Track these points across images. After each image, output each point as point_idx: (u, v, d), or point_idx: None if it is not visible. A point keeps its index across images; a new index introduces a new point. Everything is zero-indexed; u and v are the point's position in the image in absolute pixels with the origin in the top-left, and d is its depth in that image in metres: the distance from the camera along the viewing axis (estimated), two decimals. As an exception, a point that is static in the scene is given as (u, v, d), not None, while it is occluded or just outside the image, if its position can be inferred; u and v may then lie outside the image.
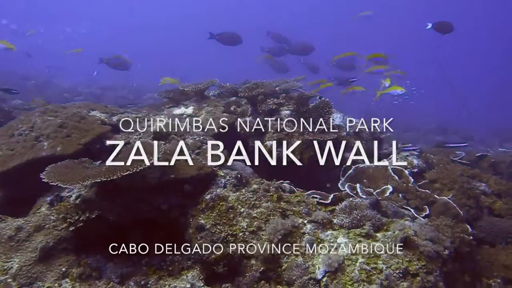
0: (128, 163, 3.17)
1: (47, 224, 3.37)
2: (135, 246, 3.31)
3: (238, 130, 5.43)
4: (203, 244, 3.13)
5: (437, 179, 4.50)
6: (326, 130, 5.00)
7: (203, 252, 3.09)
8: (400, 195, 4.13)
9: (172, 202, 3.42)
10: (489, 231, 3.88)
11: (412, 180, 4.40)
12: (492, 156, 7.11)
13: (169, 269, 3.15)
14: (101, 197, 3.42)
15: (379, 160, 4.99)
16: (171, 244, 3.33)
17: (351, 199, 3.56)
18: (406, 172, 4.49)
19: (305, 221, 3.30)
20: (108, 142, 3.85)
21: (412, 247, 2.90)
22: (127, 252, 3.25)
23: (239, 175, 3.60)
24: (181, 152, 3.65)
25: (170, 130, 4.23)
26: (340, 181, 4.64)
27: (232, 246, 3.12)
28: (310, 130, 5.00)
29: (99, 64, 8.60)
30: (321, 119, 5.02)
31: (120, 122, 4.41)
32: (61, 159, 3.63)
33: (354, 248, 2.94)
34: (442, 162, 4.94)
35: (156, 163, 3.24)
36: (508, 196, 4.62)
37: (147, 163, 3.14)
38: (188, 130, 4.34)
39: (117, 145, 3.91)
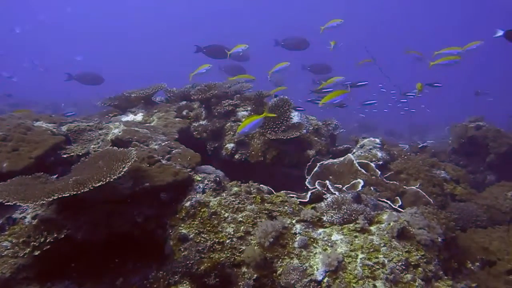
0: (98, 173, 2.84)
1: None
2: (109, 265, 3.00)
3: (195, 134, 5.19)
4: (189, 255, 2.87)
5: (403, 169, 4.57)
6: (287, 129, 4.91)
7: (190, 264, 2.83)
8: (372, 188, 4.12)
9: (147, 213, 3.12)
10: (459, 216, 3.98)
11: (379, 172, 4.42)
12: (432, 147, 7.47)
13: (153, 287, 2.84)
14: (63, 215, 3.03)
15: (338, 156, 4.99)
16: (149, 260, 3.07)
17: (336, 195, 3.45)
18: (373, 165, 4.51)
19: (294, 221, 3.16)
20: (65, 154, 3.45)
21: (408, 237, 2.86)
22: (100, 274, 2.92)
23: (217, 179, 3.38)
24: (151, 159, 3.38)
25: (130, 137, 3.89)
26: (307, 179, 4.56)
27: (221, 255, 2.89)
28: (271, 129, 4.88)
29: (67, 82, 8.05)
30: (282, 117, 4.93)
31: (72, 132, 4.00)
32: (9, 177, 3.18)
33: (351, 244, 2.84)
34: (403, 153, 5.04)
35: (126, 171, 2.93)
36: (465, 181, 4.81)
37: (121, 171, 2.83)
38: (150, 136, 4.01)
39: (75, 156, 3.55)
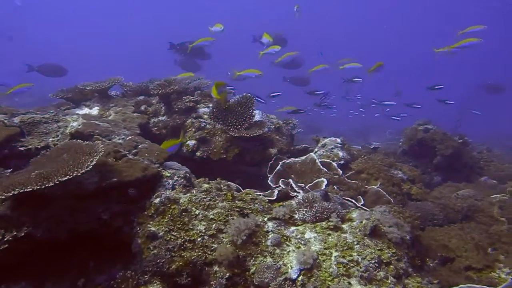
0: (64, 167, 2.67)
1: None
2: (73, 265, 2.84)
3: (154, 130, 5.04)
4: (159, 254, 2.76)
5: (363, 169, 4.67)
6: (250, 126, 4.89)
7: (161, 263, 2.72)
8: (335, 187, 4.18)
9: (114, 210, 2.97)
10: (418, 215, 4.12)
11: (341, 172, 4.50)
12: (382, 148, 7.73)
13: (121, 287, 2.71)
14: (19, 212, 2.81)
15: (296, 155, 5.03)
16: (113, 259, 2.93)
17: (308, 193, 3.46)
18: (334, 164, 4.58)
19: (265, 219, 3.13)
20: (22, 147, 3.21)
21: (380, 235, 2.92)
22: (62, 273, 2.75)
23: (187, 175, 3.28)
24: (117, 153, 3.22)
25: (91, 130, 3.69)
26: (269, 178, 4.55)
27: (192, 253, 2.81)
28: (233, 126, 4.83)
29: (27, 73, 7.47)
30: (245, 115, 4.89)
31: (25, 124, 3.74)
32: (-43, 170, 2.94)
33: (325, 242, 2.85)
34: (362, 153, 5.16)
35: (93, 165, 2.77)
36: (420, 181, 5.00)
37: (89, 165, 2.67)
38: (112, 130, 3.83)
39: (33, 148, 3.33)
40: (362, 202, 3.95)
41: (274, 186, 4.28)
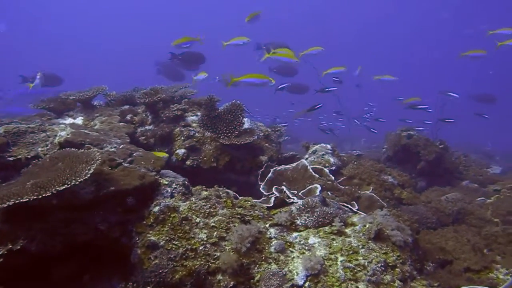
0: (61, 176, 2.56)
1: None
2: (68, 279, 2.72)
3: (142, 140, 4.93)
4: (161, 264, 2.68)
5: (355, 175, 4.69)
6: (240, 134, 4.84)
7: (164, 273, 2.64)
8: (329, 193, 4.17)
9: (111, 220, 2.86)
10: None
11: (333, 178, 4.50)
12: (367, 155, 7.79)
13: (123, 299, 2.61)
14: (12, 225, 2.68)
15: (284, 163, 5.01)
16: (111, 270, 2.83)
17: (307, 198, 3.43)
18: (326, 170, 4.58)
19: (267, 225, 3.09)
20: (11, 157, 3.08)
21: (383, 238, 2.91)
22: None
23: (186, 182, 3.21)
24: (112, 161, 3.13)
25: (81, 139, 3.58)
26: (261, 185, 4.51)
27: (194, 262, 2.73)
28: (224, 134, 4.78)
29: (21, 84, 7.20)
30: (235, 123, 4.85)
31: (10, 134, 3.59)
32: None
33: (330, 247, 2.83)
34: (352, 159, 5.18)
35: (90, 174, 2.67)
36: (410, 186, 5.05)
37: (87, 173, 2.58)
38: (103, 138, 3.72)
39: (23, 158, 3.20)
40: (357, 207, 3.95)
41: (267, 193, 4.24)
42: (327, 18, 38.69)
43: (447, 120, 7.99)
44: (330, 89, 7.10)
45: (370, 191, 4.37)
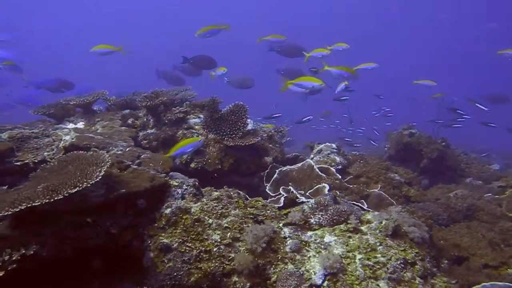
0: (72, 178, 2.48)
1: None
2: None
3: (144, 144, 4.86)
4: (176, 267, 2.61)
5: (362, 173, 4.64)
6: (244, 135, 4.78)
7: (180, 276, 2.56)
8: (337, 192, 4.11)
9: (122, 223, 2.79)
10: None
11: (340, 177, 4.44)
12: (366, 155, 7.75)
13: (137, 304, 2.53)
14: (21, 230, 2.60)
15: (287, 164, 4.96)
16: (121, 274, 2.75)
17: (319, 197, 3.36)
18: (333, 169, 4.52)
19: (280, 225, 3.02)
20: (18, 162, 3.01)
21: (401, 235, 2.86)
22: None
23: (196, 183, 3.14)
24: (121, 164, 3.06)
25: (87, 143, 3.50)
26: (267, 187, 4.45)
27: (209, 264, 2.66)
28: (228, 136, 4.72)
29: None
30: (239, 124, 4.79)
31: (14, 139, 3.51)
32: None
33: (347, 245, 2.77)
34: (357, 157, 5.14)
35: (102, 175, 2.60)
36: (416, 184, 5.01)
37: (98, 175, 2.51)
38: (109, 142, 3.65)
39: (30, 163, 3.12)
40: (366, 205, 3.90)
41: (273, 194, 4.18)
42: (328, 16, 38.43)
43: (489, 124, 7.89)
44: (344, 98, 7.06)
45: (379, 189, 4.32)
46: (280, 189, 4.10)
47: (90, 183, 2.45)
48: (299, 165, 4.67)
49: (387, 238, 2.80)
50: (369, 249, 2.71)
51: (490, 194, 4.99)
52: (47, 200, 2.30)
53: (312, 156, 5.25)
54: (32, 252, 2.38)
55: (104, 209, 2.74)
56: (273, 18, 37.08)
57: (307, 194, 3.94)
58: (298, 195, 3.75)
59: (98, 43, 6.26)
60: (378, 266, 2.61)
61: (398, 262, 2.62)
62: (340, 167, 4.81)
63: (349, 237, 2.84)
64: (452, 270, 3.23)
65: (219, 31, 6.16)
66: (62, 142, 3.58)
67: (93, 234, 2.71)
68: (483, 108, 7.46)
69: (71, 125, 4.94)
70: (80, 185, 2.41)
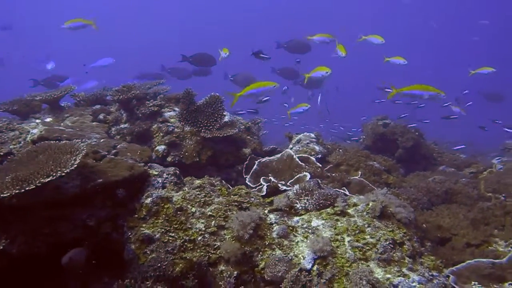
0: (44, 167, 2.33)
1: None
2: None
3: (118, 139, 4.68)
4: (159, 257, 2.48)
5: (342, 161, 4.61)
6: (222, 127, 4.68)
7: (164, 267, 2.44)
8: (319, 180, 4.06)
9: (100, 215, 2.64)
10: (402, 201, 4.09)
11: (320, 165, 4.40)
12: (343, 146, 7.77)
13: (120, 298, 2.39)
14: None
15: (271, 155, 4.89)
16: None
17: (303, 182, 3.30)
18: (313, 158, 4.47)
19: (266, 211, 2.94)
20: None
21: (388, 216, 2.82)
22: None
23: (177, 171, 3.02)
24: (96, 154, 2.91)
25: (58, 135, 3.32)
26: (246, 178, 4.35)
27: (194, 254, 2.56)
28: (205, 127, 4.60)
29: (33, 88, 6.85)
30: (216, 115, 4.68)
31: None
32: None
33: (335, 228, 2.71)
34: (336, 146, 5.11)
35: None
36: (395, 171, 5.02)
37: (73, 164, 2.36)
38: (81, 134, 3.48)
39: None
40: (348, 192, 3.86)
41: (254, 186, 4.09)
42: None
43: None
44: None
45: (359, 176, 4.29)
46: (261, 179, 4.02)
47: (65, 171, 2.30)
48: (278, 156, 4.59)
49: (374, 220, 2.75)
50: (357, 231, 2.66)
51: (464, 179, 5.05)
52: (16, 191, 2.15)
53: (291, 146, 5.19)
54: (1, 247, 2.21)
55: (80, 201, 2.59)
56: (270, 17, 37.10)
57: (288, 184, 3.87)
58: (279, 185, 3.68)
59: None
60: (367, 247, 2.56)
61: (387, 242, 2.58)
62: (319, 156, 4.76)
63: (337, 220, 2.78)
64: (437, 250, 3.22)
65: (85, 25, 6.21)
66: (29, 135, 3.39)
67: (69, 228, 2.56)
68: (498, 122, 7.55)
69: (36, 122, 4.71)
70: (54, 174, 2.26)
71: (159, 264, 2.45)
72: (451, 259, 3.06)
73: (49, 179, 2.23)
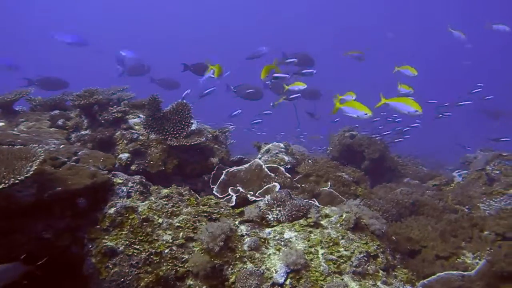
0: (-4, 174, 2.12)
1: None
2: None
3: (79, 145, 4.45)
4: (123, 272, 2.31)
5: (312, 171, 4.55)
6: (189, 135, 4.53)
7: (128, 281, 2.27)
8: (288, 191, 3.98)
9: (58, 226, 2.44)
10: (372, 212, 4.06)
11: (289, 176, 4.32)
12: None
13: (79, 317, 2.20)
14: None
15: (238, 165, 4.78)
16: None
17: (275, 193, 3.19)
18: (282, 169, 4.39)
19: (236, 222, 2.81)
20: None
21: (361, 228, 2.77)
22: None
23: (143, 180, 2.85)
24: (55, 160, 2.71)
25: (11, 140, 3.09)
26: (214, 188, 4.22)
27: (160, 267, 2.40)
28: (171, 135, 4.44)
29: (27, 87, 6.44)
30: (183, 123, 4.53)
31: None
32: None
33: (309, 240, 2.62)
34: (305, 157, 5.05)
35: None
36: (363, 182, 5.01)
37: (29, 170, 2.16)
38: (38, 139, 3.24)
39: None
40: (318, 204, 3.80)
41: (221, 196, 3.96)
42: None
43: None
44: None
45: (329, 187, 4.24)
46: (229, 189, 3.90)
47: (19, 179, 2.10)
48: (247, 165, 4.48)
49: (348, 232, 2.68)
50: (331, 243, 2.58)
51: (428, 191, 5.11)
52: (-34, 198, 1.94)
53: (259, 156, 5.10)
54: None
55: (35, 211, 2.38)
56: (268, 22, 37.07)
57: (257, 194, 3.76)
58: (249, 195, 3.56)
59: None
60: (342, 260, 2.48)
61: (362, 255, 2.51)
62: (289, 166, 4.69)
63: (310, 232, 2.69)
64: (407, 262, 3.19)
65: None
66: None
67: (22, 241, 2.34)
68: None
69: (-10, 127, 4.41)
70: (6, 182, 2.06)
71: (122, 279, 2.29)
72: (422, 272, 3.03)
73: (1, 186, 2.03)
